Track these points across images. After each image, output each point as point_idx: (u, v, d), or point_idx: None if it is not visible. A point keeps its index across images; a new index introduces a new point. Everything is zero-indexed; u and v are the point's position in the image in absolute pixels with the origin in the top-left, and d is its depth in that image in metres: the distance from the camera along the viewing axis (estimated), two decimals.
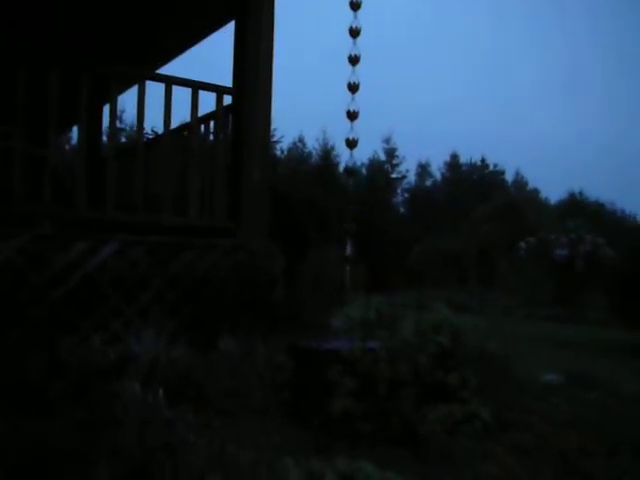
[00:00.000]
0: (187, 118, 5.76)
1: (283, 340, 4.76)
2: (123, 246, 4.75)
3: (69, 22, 7.32)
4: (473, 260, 25.47)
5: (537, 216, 29.57)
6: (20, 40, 5.06)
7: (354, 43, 4.97)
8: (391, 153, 42.50)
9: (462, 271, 24.98)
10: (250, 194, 5.56)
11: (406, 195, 44.61)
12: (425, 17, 68.90)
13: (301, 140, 41.81)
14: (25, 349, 3.93)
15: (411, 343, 4.39)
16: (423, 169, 46.10)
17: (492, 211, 28.87)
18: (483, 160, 46.54)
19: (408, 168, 43.70)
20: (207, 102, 5.67)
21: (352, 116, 5.00)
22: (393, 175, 42.74)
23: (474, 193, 40.49)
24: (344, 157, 38.86)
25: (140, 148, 5.47)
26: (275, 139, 33.35)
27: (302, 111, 47.56)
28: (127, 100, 7.26)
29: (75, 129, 12.94)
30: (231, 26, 6.06)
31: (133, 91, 5.59)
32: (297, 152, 41.32)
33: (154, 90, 5.43)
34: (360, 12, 4.92)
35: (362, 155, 40.17)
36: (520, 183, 47.77)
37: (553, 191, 67.21)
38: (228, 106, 5.68)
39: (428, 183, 46.48)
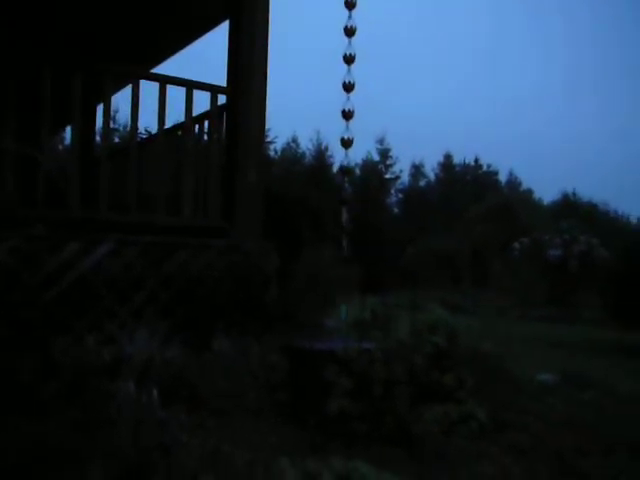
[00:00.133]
0: (181, 118, 5.73)
1: (277, 340, 4.74)
2: (117, 246, 4.72)
3: (63, 21, 7.30)
4: (467, 260, 25.50)
5: (530, 216, 29.64)
6: (12, 39, 5.02)
7: (349, 42, 4.96)
8: (385, 153, 42.54)
9: (456, 271, 25.00)
10: (244, 194, 5.54)
11: (400, 195, 44.68)
12: (418, 17, 69.06)
13: (295, 140, 41.85)
14: (19, 349, 3.90)
15: (406, 343, 4.38)
16: (417, 169, 46.17)
17: (486, 211, 28.93)
18: (477, 160, 46.67)
19: (402, 168, 43.79)
20: (201, 102, 5.65)
21: (347, 115, 4.99)
22: (387, 175, 42.78)
23: (468, 193, 40.57)
24: (338, 157, 38.86)
25: (134, 148, 5.44)
26: (269, 139, 33.33)
27: (296, 111, 47.50)
28: (121, 100, 7.23)
29: (68, 129, 12.90)
30: (225, 25, 6.05)
31: (127, 91, 5.56)
32: (291, 152, 41.33)
33: (148, 90, 5.40)
34: (355, 11, 4.91)
35: (356, 155, 40.16)
36: (514, 183, 47.89)
37: (547, 192, 67.32)
38: (222, 105, 5.66)
39: (422, 183, 46.55)
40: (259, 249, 5.38)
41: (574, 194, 46.81)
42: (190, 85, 5.46)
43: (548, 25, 75.06)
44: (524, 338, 10.86)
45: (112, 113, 11.99)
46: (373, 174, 41.09)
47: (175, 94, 5.50)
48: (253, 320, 5.02)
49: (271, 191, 7.83)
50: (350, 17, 4.98)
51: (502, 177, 47.77)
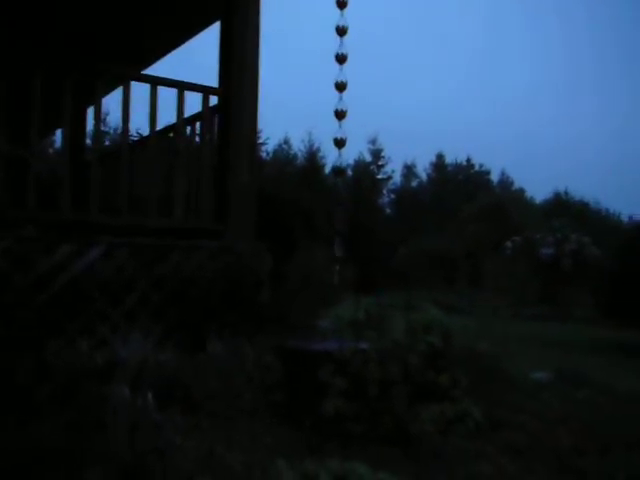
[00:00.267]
0: (172, 120, 5.71)
1: (271, 341, 4.72)
2: (108, 249, 4.69)
3: (54, 23, 7.26)
4: (460, 260, 25.54)
5: (523, 216, 29.72)
6: (1, 42, 4.98)
7: (341, 42, 4.95)
8: (377, 154, 42.58)
9: (449, 271, 25.04)
10: (237, 195, 5.52)
11: (392, 196, 44.72)
12: (410, 16, 69.20)
13: (287, 142, 41.86)
14: (12, 351, 3.86)
15: (401, 343, 4.36)
16: (409, 170, 46.25)
17: (478, 211, 28.98)
18: (469, 160, 46.77)
19: (394, 169, 43.85)
20: (193, 104, 5.62)
21: (340, 115, 4.98)
22: (379, 176, 42.81)
23: (460, 193, 40.64)
24: (330, 158, 38.94)
25: (125, 150, 5.41)
26: (261, 141, 33.33)
27: (287, 113, 47.59)
28: (111, 103, 7.23)
29: (59, 132, 12.84)
30: (216, 26, 6.03)
31: (117, 94, 5.54)
32: (283, 154, 41.31)
33: (139, 92, 5.38)
34: (346, 10, 4.89)
35: (348, 156, 39.93)
36: (506, 183, 48.02)
37: (538, 191, 67.57)
38: (214, 107, 5.64)
39: (414, 184, 46.61)
40: (252, 250, 5.36)
41: (566, 193, 46.98)
42: (182, 86, 5.44)
43: (543, 24, 75.43)
44: (518, 337, 10.88)
45: (103, 116, 11.95)
46: (365, 175, 41.12)
47: (166, 95, 5.47)
48: (246, 321, 5.00)
49: (263, 192, 7.82)
50: (342, 16, 4.96)
51: (494, 177, 47.95)
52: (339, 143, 5.04)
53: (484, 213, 28.36)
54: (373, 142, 42.39)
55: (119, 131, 23.07)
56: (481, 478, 3.61)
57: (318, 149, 40.72)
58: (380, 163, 42.69)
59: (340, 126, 5.02)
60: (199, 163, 5.62)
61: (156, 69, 7.96)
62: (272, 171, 33.74)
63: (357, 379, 4.01)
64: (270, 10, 5.91)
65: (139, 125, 10.93)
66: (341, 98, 5.01)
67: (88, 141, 10.01)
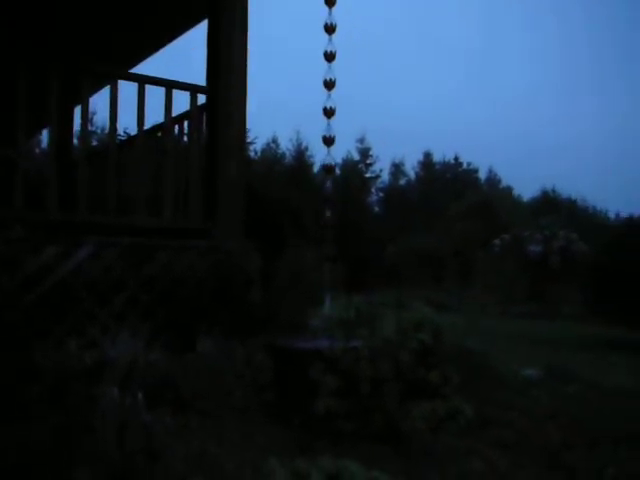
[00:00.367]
0: (160, 119, 5.68)
1: (261, 340, 4.71)
2: (97, 249, 4.67)
3: (38, 21, 7.20)
4: (448, 258, 25.60)
5: (511, 213, 29.84)
6: None
7: (330, 40, 4.94)
8: (365, 153, 42.64)
9: (437, 270, 25.09)
10: (226, 194, 5.50)
11: (380, 194, 44.78)
12: (399, 13, 69.30)
13: (274, 141, 41.84)
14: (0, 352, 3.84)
15: (392, 341, 4.36)
16: (397, 168, 46.32)
17: (466, 209, 29.06)
18: (456, 158, 46.89)
19: (382, 167, 43.93)
20: (180, 103, 5.60)
21: (329, 113, 4.97)
22: (367, 175, 42.87)
23: (448, 192, 40.76)
24: (318, 157, 38.96)
25: (113, 149, 5.38)
26: (249, 140, 33.26)
27: (275, 112, 47.52)
28: (98, 102, 7.17)
29: (45, 132, 12.75)
30: (203, 25, 6.01)
31: (104, 93, 5.51)
32: (271, 153, 41.28)
33: (126, 92, 5.34)
34: (335, 8, 4.89)
35: (335, 155, 39.95)
36: (493, 181, 48.20)
37: (526, 189, 67.92)
38: (202, 105, 5.62)
39: (402, 182, 46.70)
40: (241, 249, 5.34)
41: (553, 191, 47.22)
42: (169, 85, 5.41)
43: (537, 23, 75.73)
44: (507, 335, 10.91)
45: (90, 115, 11.86)
46: (353, 173, 41.16)
47: (154, 94, 5.44)
48: (236, 320, 4.98)
49: (252, 191, 7.79)
50: (330, 14, 4.95)
51: (482, 175, 48.12)
52: (328, 141, 5.03)
53: (472, 211, 28.44)
54: (361, 141, 42.49)
55: (106, 131, 22.96)
56: (472, 475, 3.63)
57: (306, 148, 40.77)
58: (368, 162, 42.78)
59: (329, 124, 5.01)
60: (187, 162, 5.60)
61: (143, 68, 7.93)
62: (260, 170, 33.69)
63: (348, 377, 4.01)
64: (258, 8, 5.89)
65: (126, 125, 10.87)
66: (330, 96, 5.00)
67: (75, 141, 9.95)
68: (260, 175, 28.70)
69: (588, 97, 73.33)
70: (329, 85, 4.96)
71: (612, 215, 45.60)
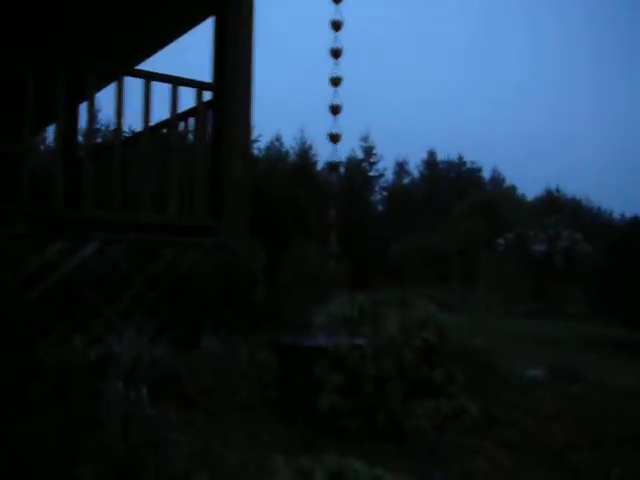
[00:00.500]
0: (165, 116, 5.68)
1: (265, 338, 4.71)
2: (102, 245, 4.67)
3: (44, 19, 7.20)
4: (452, 257, 25.57)
5: (515, 213, 29.78)
6: None
7: (336, 36, 4.93)
8: (369, 151, 42.59)
9: (441, 268, 25.06)
10: (231, 191, 5.49)
11: (384, 193, 44.73)
12: (402, 12, 69.20)
13: (279, 139, 41.81)
14: (2, 349, 3.84)
15: (396, 339, 4.36)
16: (401, 167, 46.27)
17: (470, 208, 29.01)
18: (460, 157, 46.84)
19: (386, 166, 43.87)
20: (185, 101, 5.59)
21: (335, 110, 4.96)
22: (371, 173, 42.83)
23: (451, 190, 40.71)
24: (322, 156, 38.94)
25: (118, 145, 5.38)
26: (253, 138, 33.24)
27: (279, 110, 47.50)
28: (103, 100, 7.18)
29: (51, 129, 12.76)
30: (207, 23, 6.00)
31: (109, 91, 5.50)
32: (275, 151, 41.27)
33: (131, 89, 5.34)
34: (342, 5, 4.88)
35: (340, 153, 40.05)
36: (497, 180, 48.13)
37: (530, 188, 67.81)
38: (208, 102, 5.61)
39: (406, 181, 46.65)
40: (246, 247, 5.34)
41: (557, 190, 47.12)
42: (175, 81, 5.40)
43: (537, 22, 75.59)
44: (512, 334, 10.90)
45: (94, 113, 11.86)
46: (357, 172, 41.13)
47: (159, 92, 5.43)
48: (241, 318, 4.98)
49: (256, 189, 7.80)
50: (337, 11, 4.95)
51: (486, 174, 48.05)
52: (334, 138, 5.02)
53: (476, 210, 28.39)
54: (365, 139, 42.43)
55: (111, 128, 22.97)
56: (476, 474, 3.62)
57: (310, 146, 40.75)
58: (372, 160, 42.73)
59: (335, 121, 5.00)
60: (193, 160, 5.59)
61: (147, 66, 7.91)
62: (264, 168, 33.71)
63: (353, 375, 4.00)
64: (263, 6, 5.89)
65: (131, 122, 10.89)
66: (336, 92, 4.99)
67: (80, 138, 9.95)
68: (264, 173, 28.74)
69: (592, 96, 73.15)
70: (335, 82, 4.94)
71: (617, 215, 45.53)
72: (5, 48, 4.78)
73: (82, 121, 8.56)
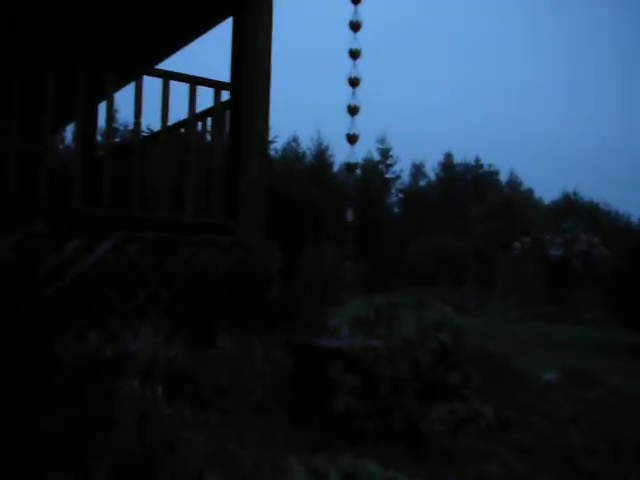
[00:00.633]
0: (182, 116, 5.70)
1: (280, 338, 4.71)
2: (119, 243, 4.69)
3: (65, 19, 7.26)
4: (468, 260, 25.47)
5: (531, 216, 29.61)
6: (14, 38, 4.99)
7: (354, 37, 4.92)
8: (385, 153, 42.54)
9: (457, 271, 24.96)
10: (248, 191, 5.50)
11: (400, 195, 44.64)
12: (419, 14, 69.02)
13: (295, 140, 41.88)
14: (20, 347, 3.87)
15: (412, 341, 4.34)
16: (417, 169, 46.18)
17: (487, 211, 28.88)
18: (477, 160, 46.64)
19: (402, 168, 43.80)
20: (203, 101, 5.61)
21: (353, 111, 4.94)
22: (387, 175, 42.77)
23: (468, 193, 40.55)
24: (338, 157, 38.95)
25: (137, 143, 5.41)
26: (270, 139, 33.26)
27: (296, 111, 47.53)
28: (121, 100, 7.19)
29: (70, 128, 12.86)
30: (224, 24, 6.02)
31: (127, 91, 5.52)
32: (291, 152, 41.32)
33: (149, 89, 5.36)
34: (360, 6, 4.87)
35: (356, 154, 39.98)
36: (514, 183, 47.87)
37: (547, 191, 67.40)
38: (226, 102, 5.62)
39: (422, 183, 46.53)
40: (262, 247, 5.35)
41: (575, 194, 46.79)
42: (193, 81, 5.42)
43: (552, 24, 75.12)
44: (527, 338, 10.82)
45: (113, 112, 11.92)
46: (374, 174, 41.09)
47: (176, 92, 5.45)
48: (256, 318, 4.98)
49: (273, 190, 7.81)
50: (356, 12, 4.93)
51: (503, 177, 47.81)
52: (351, 139, 5.00)
53: (493, 213, 28.26)
54: (382, 141, 42.42)
55: (129, 127, 23.09)
56: (490, 478, 3.59)
57: (327, 148, 40.76)
58: (389, 162, 42.68)
59: (353, 122, 4.98)
60: (210, 159, 5.61)
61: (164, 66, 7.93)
62: (281, 169, 33.76)
63: (368, 376, 3.99)
64: (281, 6, 5.89)
65: (149, 121, 10.93)
66: (354, 93, 4.97)
67: (99, 137, 10.02)
68: (281, 174, 28.76)
69: (614, 97, 72.55)
70: (354, 83, 4.93)
71: (635, 219, 45.11)
72: (26, 48, 4.82)
73: (101, 120, 8.60)
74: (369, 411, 3.90)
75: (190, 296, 4.88)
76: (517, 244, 22.22)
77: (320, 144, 41.01)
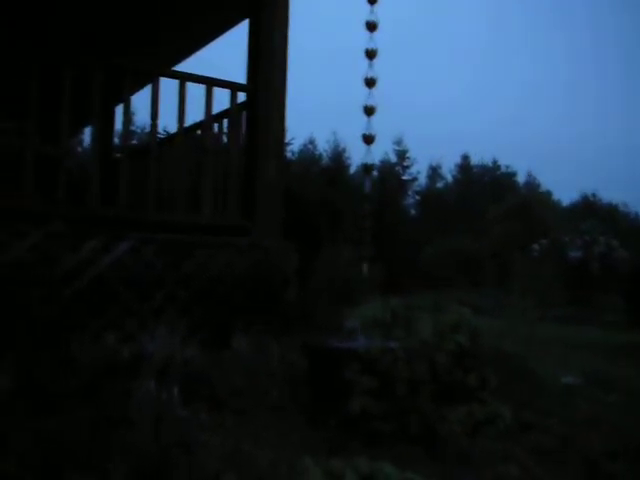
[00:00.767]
0: (199, 118, 5.71)
1: (296, 339, 4.70)
2: (136, 244, 4.71)
3: (82, 23, 7.30)
4: (486, 261, 25.33)
5: (550, 217, 29.40)
6: (33, 41, 5.03)
7: (371, 37, 4.90)
8: (402, 155, 42.45)
9: (475, 273, 24.84)
10: (265, 192, 5.51)
11: (417, 197, 44.52)
12: (435, 15, 68.85)
13: (312, 142, 41.89)
14: (37, 347, 3.89)
15: (429, 342, 4.31)
16: (434, 171, 46.03)
17: (504, 212, 28.73)
18: (495, 162, 46.41)
19: (419, 170, 43.68)
20: (219, 102, 5.61)
21: (369, 111, 4.93)
22: (404, 177, 42.68)
23: (485, 195, 40.36)
24: (355, 159, 38.93)
25: (154, 145, 5.43)
26: (286, 140, 33.31)
27: (312, 113, 47.55)
28: (138, 103, 7.21)
29: (87, 130, 12.95)
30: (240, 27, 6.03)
31: (144, 94, 5.54)
32: (308, 154, 41.34)
33: (165, 91, 5.37)
34: (377, 6, 4.85)
35: (373, 156, 39.95)
36: (532, 185, 47.55)
37: (566, 193, 66.92)
38: (242, 103, 5.63)
39: (439, 185, 46.38)
40: (279, 248, 5.34)
41: (594, 195, 46.41)
42: (210, 83, 5.43)
43: (570, 24, 74.64)
44: (546, 339, 10.71)
45: (130, 115, 11.98)
46: (391, 175, 41.02)
47: (192, 94, 5.46)
48: (272, 319, 4.98)
49: (290, 191, 7.82)
50: (372, 12, 4.92)
51: (520, 178, 47.53)
52: (368, 139, 4.99)
53: (511, 214, 28.10)
54: (398, 143, 42.32)
55: (146, 130, 23.24)
56: None
57: (343, 149, 40.75)
58: (405, 164, 42.58)
59: (369, 122, 4.96)
60: (226, 161, 5.61)
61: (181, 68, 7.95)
62: (298, 171, 33.78)
63: (385, 378, 3.97)
64: (297, 6, 5.88)
65: (166, 124, 10.98)
66: (370, 94, 4.95)
67: (116, 140, 10.07)
68: (297, 176, 28.79)
69: (631, 97, 71.91)
70: (370, 83, 4.91)
71: None
72: (44, 51, 4.85)
73: (118, 123, 8.65)
74: (385, 413, 3.88)
75: (207, 297, 4.89)
76: (535, 246, 22.07)
77: (337, 146, 41.04)
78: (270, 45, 5.59)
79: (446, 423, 3.93)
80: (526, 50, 73.94)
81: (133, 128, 29.63)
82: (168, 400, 3.16)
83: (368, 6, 4.81)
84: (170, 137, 6.90)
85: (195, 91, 5.49)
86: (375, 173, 39.24)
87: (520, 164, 47.94)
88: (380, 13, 5.01)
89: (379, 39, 5.10)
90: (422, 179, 44.73)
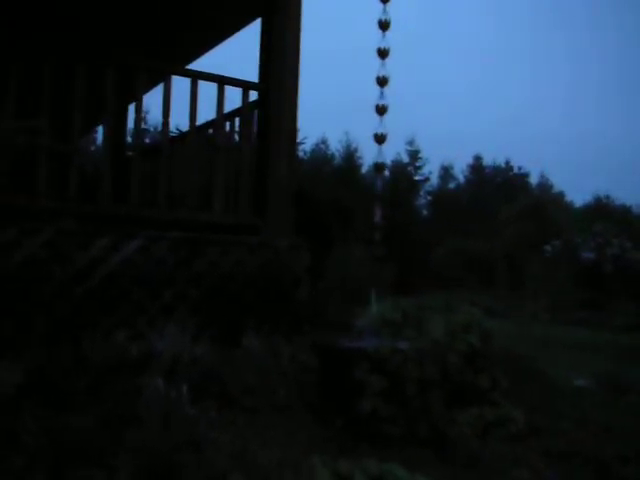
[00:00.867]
0: (210, 117, 5.71)
1: (307, 338, 4.69)
2: (147, 242, 4.71)
3: (94, 21, 7.32)
4: (498, 262, 25.23)
5: (563, 218, 29.23)
6: (47, 40, 5.05)
7: (383, 36, 4.87)
8: (414, 155, 42.33)
9: (487, 273, 24.74)
10: (276, 191, 5.50)
11: (429, 197, 44.39)
12: (445, 15, 68.68)
13: (324, 142, 41.85)
14: (49, 344, 3.90)
15: (440, 343, 4.29)
16: (446, 171, 45.86)
17: (517, 213, 28.59)
18: (507, 162, 46.19)
19: (431, 170, 43.54)
20: (231, 101, 5.61)
21: (381, 110, 4.89)
22: (416, 177, 42.57)
23: (498, 196, 40.18)
24: (367, 159, 38.86)
25: (165, 143, 5.44)
26: (298, 140, 33.33)
27: (324, 112, 47.49)
28: (150, 102, 7.24)
29: (99, 129, 12.98)
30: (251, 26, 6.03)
31: (157, 93, 5.54)
32: (320, 153, 41.32)
33: (177, 90, 5.37)
34: (389, 5, 4.82)
35: (385, 156, 39.94)
36: (545, 186, 47.26)
37: (579, 194, 66.53)
38: (254, 102, 5.63)
39: (451, 185, 46.22)
40: (290, 247, 5.34)
41: (607, 197, 46.06)
42: (222, 81, 5.43)
43: (578, 26, 74.23)
44: (557, 341, 10.66)
45: (142, 114, 11.96)
46: (403, 175, 40.92)
47: (204, 92, 5.46)
48: (283, 318, 4.97)
49: (301, 190, 7.80)
50: (384, 10, 4.89)
51: (533, 179, 47.26)
52: (379, 139, 4.95)
53: (523, 215, 27.96)
54: (410, 143, 42.19)
55: (159, 129, 23.30)
56: None
57: (355, 149, 40.70)
58: (417, 164, 42.46)
59: (381, 122, 4.93)
60: (238, 159, 5.61)
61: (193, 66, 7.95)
62: (310, 170, 33.79)
63: (394, 378, 3.94)
64: (309, 4, 5.86)
65: (177, 122, 10.99)
66: (382, 93, 4.92)
67: (128, 139, 10.10)
68: (309, 176, 28.80)
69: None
70: (382, 82, 4.88)
71: None
72: (56, 51, 4.87)
73: (130, 122, 8.67)
74: (395, 414, 3.86)
75: (218, 296, 4.89)
76: (548, 247, 21.97)
77: (349, 145, 40.99)
78: (282, 44, 5.59)
79: (456, 425, 3.90)
80: (543, 50, 73.62)
81: (145, 126, 29.72)
82: (177, 398, 3.16)
83: (381, 5, 4.77)
84: (182, 135, 6.91)
85: (207, 89, 5.49)
86: (387, 173, 39.26)
87: (533, 165, 47.75)
88: (392, 12, 4.98)
89: (391, 38, 5.07)
90: (434, 179, 44.61)
